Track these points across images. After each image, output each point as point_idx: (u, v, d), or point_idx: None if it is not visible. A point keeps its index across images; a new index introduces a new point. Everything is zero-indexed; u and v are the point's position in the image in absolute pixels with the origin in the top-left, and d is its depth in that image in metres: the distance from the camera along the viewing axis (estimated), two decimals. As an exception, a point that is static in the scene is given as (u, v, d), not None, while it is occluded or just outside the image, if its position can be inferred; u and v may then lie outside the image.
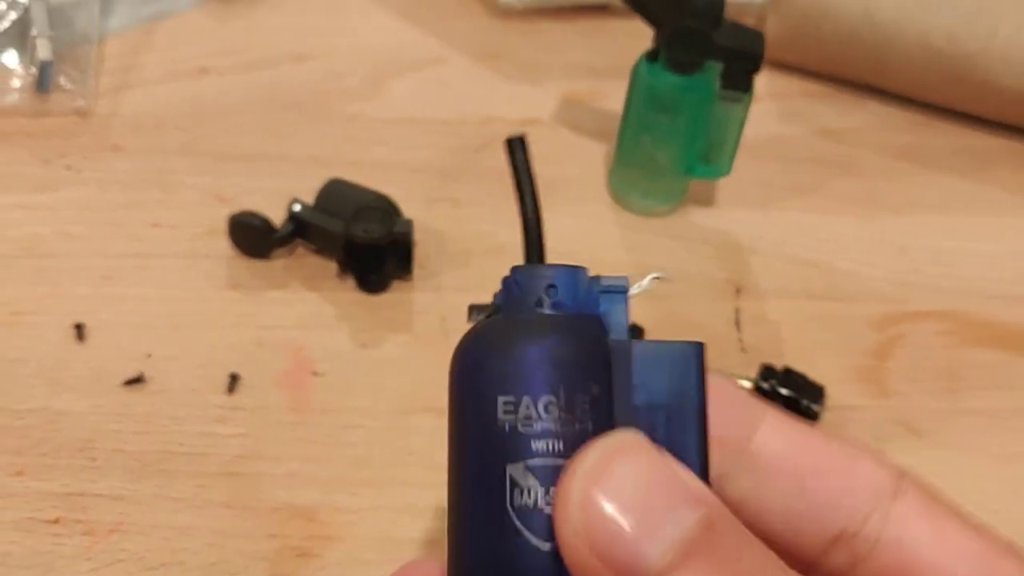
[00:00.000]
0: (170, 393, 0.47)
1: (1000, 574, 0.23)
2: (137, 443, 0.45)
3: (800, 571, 0.21)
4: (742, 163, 0.58)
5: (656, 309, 0.53)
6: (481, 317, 0.24)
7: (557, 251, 0.46)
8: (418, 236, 0.53)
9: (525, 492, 0.21)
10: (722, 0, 0.52)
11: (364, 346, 0.50)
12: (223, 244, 0.53)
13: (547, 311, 0.23)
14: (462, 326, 0.50)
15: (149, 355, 0.48)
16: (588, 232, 0.57)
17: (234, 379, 0.48)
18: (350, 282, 0.52)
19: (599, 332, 0.23)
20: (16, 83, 0.59)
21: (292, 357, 0.49)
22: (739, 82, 0.54)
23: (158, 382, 0.47)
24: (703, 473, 0.22)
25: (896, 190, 0.63)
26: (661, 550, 0.20)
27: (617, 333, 0.23)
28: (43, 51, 0.59)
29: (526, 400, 0.21)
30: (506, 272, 0.24)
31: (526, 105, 0.65)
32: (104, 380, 0.47)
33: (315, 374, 0.49)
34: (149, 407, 0.46)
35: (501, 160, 0.59)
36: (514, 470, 0.21)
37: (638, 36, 0.55)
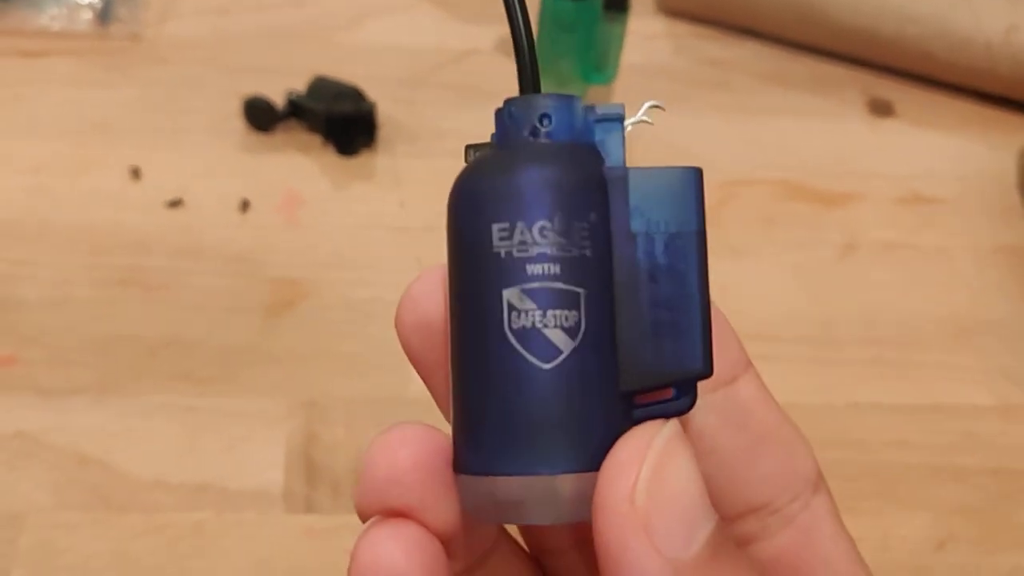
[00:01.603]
0: (200, 211, 0.67)
1: None
2: (177, 239, 0.65)
3: None
4: (636, 82, 0.78)
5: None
6: (477, 154, 0.24)
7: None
8: (381, 120, 0.73)
9: (523, 315, 0.21)
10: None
11: (338, 188, 0.70)
12: (239, 123, 0.73)
13: (542, 140, 0.23)
14: (411, 179, 0.71)
15: (186, 188, 0.68)
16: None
17: (245, 204, 0.67)
18: (330, 149, 0.72)
19: (594, 159, 0.22)
20: (86, 15, 0.79)
21: (286, 193, 0.69)
22: (617, 4, 0.73)
23: (192, 205, 0.67)
24: (705, 299, 0.22)
25: (762, 103, 0.82)
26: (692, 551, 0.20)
27: (613, 161, 0.23)
28: (107, -10, 0.79)
29: (520, 225, 0.21)
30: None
31: (472, 39, 0.84)
32: (153, 203, 0.67)
33: (302, 203, 0.68)
34: (185, 219, 0.66)
35: (449, 76, 0.79)
36: (511, 294, 0.21)
37: None
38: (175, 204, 0.67)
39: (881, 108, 0.83)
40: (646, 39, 0.86)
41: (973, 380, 0.63)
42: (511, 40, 0.25)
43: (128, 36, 0.80)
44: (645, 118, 0.25)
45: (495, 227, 0.22)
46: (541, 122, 0.23)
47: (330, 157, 0.72)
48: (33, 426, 0.54)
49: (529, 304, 0.21)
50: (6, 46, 0.78)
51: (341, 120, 0.70)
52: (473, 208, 0.22)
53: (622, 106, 0.23)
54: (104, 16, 0.79)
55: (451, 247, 0.23)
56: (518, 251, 0.21)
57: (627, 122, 0.24)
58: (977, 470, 0.58)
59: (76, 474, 0.53)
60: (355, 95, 0.72)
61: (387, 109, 0.74)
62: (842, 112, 0.83)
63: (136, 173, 0.68)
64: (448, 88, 0.80)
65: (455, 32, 0.85)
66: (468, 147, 0.24)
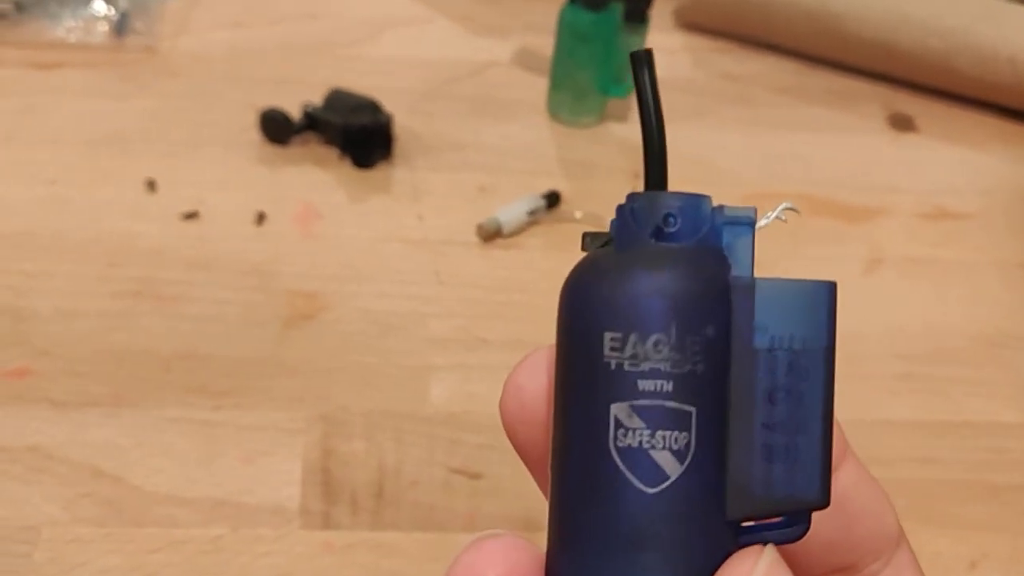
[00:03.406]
0: (216, 224, 0.66)
1: None
2: (192, 251, 0.64)
3: None
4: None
5: (575, 186, 0.72)
6: (595, 246, 0.22)
7: (508, 151, 0.64)
8: (398, 133, 0.72)
9: (630, 433, 0.20)
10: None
11: (355, 201, 0.69)
12: (254, 135, 0.72)
13: (664, 242, 0.21)
14: (429, 192, 0.71)
15: (202, 201, 0.67)
16: (532, 140, 0.76)
17: (261, 216, 0.66)
18: (347, 161, 0.71)
19: (719, 266, 0.21)
20: (102, 27, 0.79)
21: (303, 206, 0.68)
22: (636, 16, 0.73)
23: (208, 217, 0.66)
24: (828, 423, 0.21)
25: (779, 117, 0.82)
26: None
27: (741, 268, 0.21)
28: (122, 4, 0.79)
29: (634, 337, 0.20)
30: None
31: (490, 52, 0.84)
32: (168, 215, 0.66)
33: (319, 216, 0.67)
34: (201, 231, 0.65)
35: (466, 89, 0.79)
36: (619, 410, 0.20)
37: None
38: (191, 216, 0.66)
39: (902, 123, 0.82)
40: (665, 53, 0.85)
41: (1003, 396, 0.61)
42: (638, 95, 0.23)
43: (144, 49, 0.79)
44: (780, 216, 0.23)
45: (607, 336, 0.20)
46: (666, 222, 0.21)
47: (347, 170, 0.71)
48: (47, 439, 0.53)
49: (637, 422, 0.20)
50: (22, 58, 0.77)
51: (358, 132, 0.70)
52: (586, 312, 0.21)
53: (754, 209, 0.22)
54: (120, 28, 0.79)
55: (560, 345, 0.22)
56: (629, 364, 0.20)
57: (759, 224, 0.22)
58: (1009, 487, 0.57)
59: (90, 488, 0.52)
60: (372, 107, 0.71)
61: (404, 121, 0.73)
62: (863, 126, 0.82)
63: (152, 185, 0.68)
64: (466, 100, 0.79)
65: (472, 44, 0.85)
66: (586, 235, 0.23)
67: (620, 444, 0.20)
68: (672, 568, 0.20)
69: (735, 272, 0.21)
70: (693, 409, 0.20)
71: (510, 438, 0.23)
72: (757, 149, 0.78)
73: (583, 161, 0.75)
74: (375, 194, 0.70)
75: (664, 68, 0.70)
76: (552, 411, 0.22)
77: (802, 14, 0.84)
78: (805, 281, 0.21)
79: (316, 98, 0.72)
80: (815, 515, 0.21)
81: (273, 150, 0.72)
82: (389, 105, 0.73)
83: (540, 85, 0.80)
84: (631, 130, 0.78)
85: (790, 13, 0.84)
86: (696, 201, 0.22)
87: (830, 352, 0.21)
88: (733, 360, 0.21)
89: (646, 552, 0.20)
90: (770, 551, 0.20)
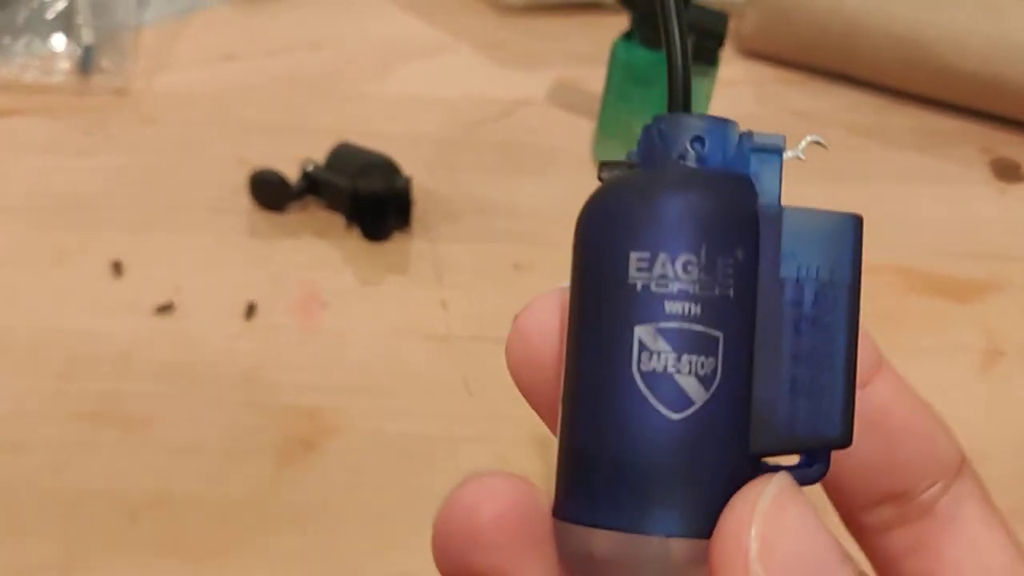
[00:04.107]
0: (196, 318, 0.54)
1: None
2: (166, 355, 0.52)
3: (842, 513, 0.23)
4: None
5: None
6: (615, 173, 0.21)
7: (547, 216, 0.52)
8: (416, 195, 0.60)
9: (655, 356, 0.19)
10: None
11: (366, 283, 0.57)
12: (244, 200, 0.60)
13: (692, 165, 0.20)
14: (454, 270, 0.58)
15: (179, 288, 0.55)
16: (575, 196, 0.64)
17: (251, 308, 0.54)
18: (356, 232, 0.59)
19: (748, 192, 0.20)
20: (63, 64, 0.67)
21: (303, 291, 0.56)
22: (705, 57, 0.60)
23: (186, 310, 0.54)
24: (851, 359, 0.20)
25: (859, 163, 0.69)
26: None
27: (768, 197, 0.20)
28: (86, 36, 0.66)
29: (663, 257, 0.19)
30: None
31: (521, 87, 0.72)
32: (138, 308, 0.54)
33: (322, 304, 0.55)
34: (177, 328, 0.53)
35: (495, 134, 0.66)
36: (644, 332, 0.19)
37: (622, 29, 0.62)
38: (165, 309, 0.54)
39: (1008, 171, 0.69)
40: (725, 85, 0.72)
41: None
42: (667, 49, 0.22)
43: (113, 90, 0.67)
44: (801, 155, 0.22)
45: (634, 256, 0.20)
46: (693, 145, 0.21)
47: (355, 243, 0.59)
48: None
49: (663, 345, 0.19)
50: (-35, 104, 0.65)
51: (369, 199, 0.57)
52: (610, 232, 0.20)
53: (782, 137, 0.21)
54: (84, 65, 0.67)
55: (577, 273, 0.21)
56: (657, 285, 0.19)
57: (786, 155, 0.21)
58: None
59: None
60: (385, 167, 0.59)
61: (423, 178, 0.61)
62: (961, 175, 0.69)
63: (118, 268, 0.56)
64: (495, 149, 0.67)
65: (501, 79, 0.72)
66: (603, 164, 0.22)
67: (644, 368, 0.19)
68: (690, 501, 0.19)
69: (763, 200, 0.20)
70: (721, 334, 0.19)
71: (517, 383, 0.22)
72: (835, 204, 0.66)
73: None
74: (390, 274, 0.58)
75: (723, 103, 0.57)
76: (565, 348, 0.21)
77: (887, 41, 0.72)
78: (832, 213, 0.21)
79: (318, 151, 0.60)
80: (857, 442, 0.20)
81: (266, 218, 0.59)
82: (405, 158, 0.60)
83: (584, 128, 0.68)
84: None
85: (873, 40, 0.72)
86: (724, 125, 0.21)
87: (855, 286, 0.20)
88: (760, 288, 0.20)
89: (664, 484, 0.19)
90: (782, 477, 0.19)
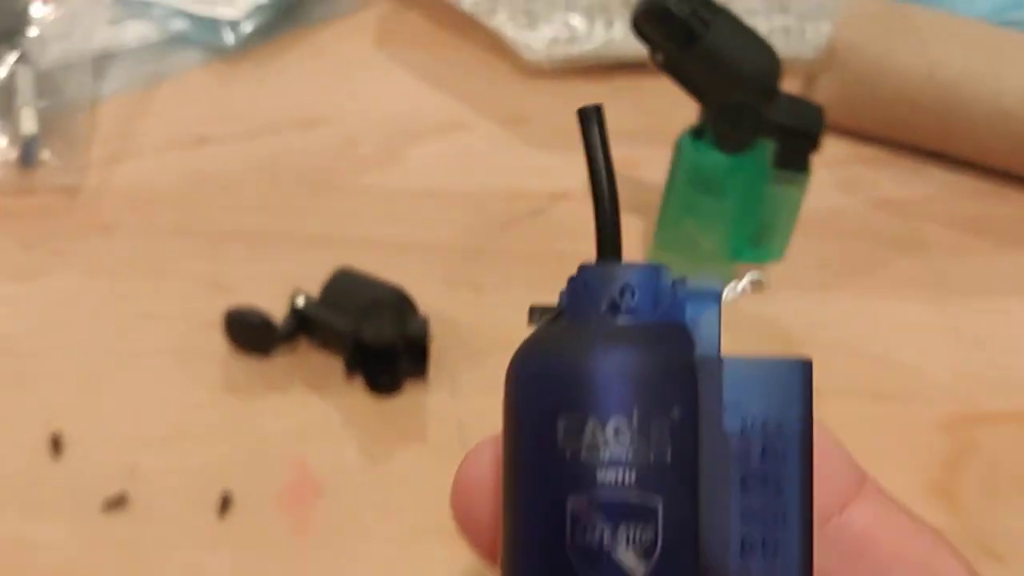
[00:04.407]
0: (156, 517, 0.42)
1: None
2: (115, 569, 0.40)
3: None
4: (794, 239, 0.52)
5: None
6: (543, 321, 0.21)
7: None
8: (435, 329, 0.48)
9: (589, 530, 0.18)
10: (776, 70, 0.46)
11: (373, 459, 0.45)
12: (219, 339, 0.48)
13: (621, 318, 0.19)
14: (482, 433, 0.44)
15: (133, 471, 0.43)
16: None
17: (226, 500, 0.42)
18: (358, 383, 0.47)
19: (683, 344, 0.19)
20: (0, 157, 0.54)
21: (293, 471, 0.44)
22: (795, 162, 0.48)
23: (143, 503, 0.42)
24: (806, 513, 0.19)
25: (966, 270, 0.57)
26: None
27: (706, 346, 0.19)
28: (28, 123, 0.54)
29: (592, 423, 0.18)
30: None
31: (556, 176, 0.59)
32: (83, 502, 0.42)
33: (318, 492, 0.43)
34: (132, 533, 0.41)
35: (528, 240, 0.54)
36: (576, 504, 0.18)
37: (679, 97, 0.49)
38: (116, 504, 0.42)
39: None
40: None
41: None
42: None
43: (61, 189, 0.54)
44: (746, 288, 0.22)
45: (561, 422, 0.18)
46: (622, 296, 0.19)
47: (359, 398, 0.47)
48: None
49: (597, 518, 0.18)
50: None
51: (377, 348, 0.45)
52: (537, 393, 0.19)
53: (720, 282, 0.20)
54: (26, 159, 0.54)
55: (508, 433, 0.20)
56: (587, 452, 0.18)
57: (724, 297, 0.19)
58: None
59: None
60: (395, 304, 0.47)
61: (442, 304, 0.49)
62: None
63: (57, 444, 0.44)
64: (527, 259, 0.55)
65: (530, 165, 0.60)
66: (533, 309, 0.21)
67: (579, 542, 0.18)
68: None
69: (700, 350, 0.19)
70: (660, 500, 0.18)
71: (463, 535, 0.22)
72: (945, 330, 0.54)
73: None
74: (404, 442, 0.46)
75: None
76: (502, 509, 0.20)
77: (994, 116, 0.60)
78: (777, 358, 0.19)
79: (311, 268, 0.49)
80: (853, 568, 0.20)
81: (246, 366, 0.47)
82: (418, 276, 0.49)
83: (636, 228, 0.55)
84: (770, 305, 0.53)
85: (976, 114, 0.60)
86: (654, 272, 0.20)
87: (807, 436, 0.19)
88: (702, 445, 0.19)
89: None
90: None
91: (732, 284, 0.21)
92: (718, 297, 0.20)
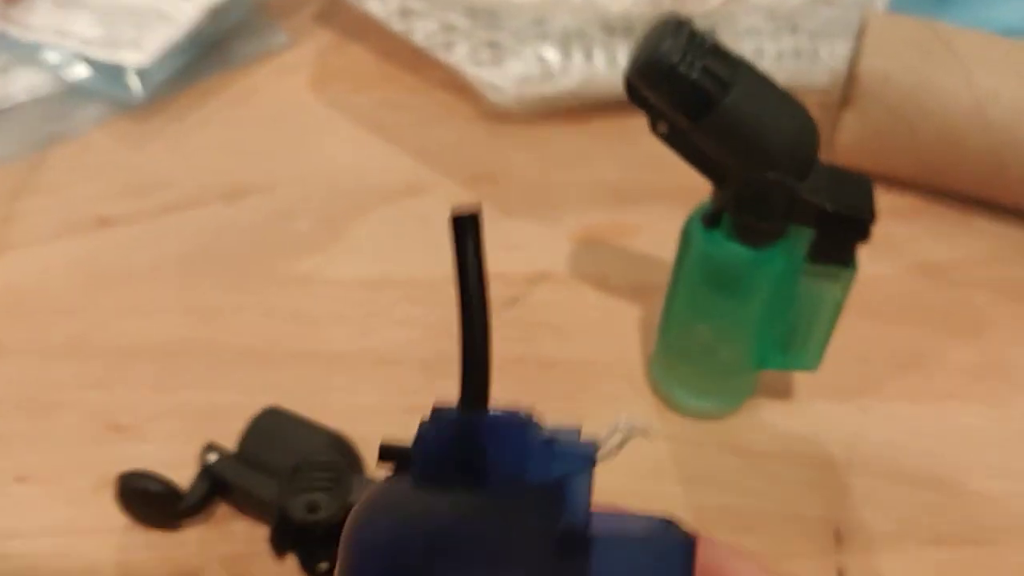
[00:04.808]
0: None
1: None
2: None
3: None
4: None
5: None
6: (389, 468, 0.18)
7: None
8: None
9: None
10: (814, 139, 0.36)
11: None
12: (114, 507, 0.37)
13: (480, 480, 0.17)
14: None
15: None
16: (631, 458, 0.41)
17: None
18: (291, 563, 0.36)
19: (549, 511, 0.16)
20: None
21: None
22: (837, 255, 0.38)
23: None
24: None
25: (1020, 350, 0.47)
26: None
27: (573, 513, 0.16)
28: None
29: None
30: None
31: (533, 251, 0.49)
32: None
33: None
34: None
35: (503, 340, 0.44)
36: None
37: None
38: None
39: None
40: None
41: None
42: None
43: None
44: (625, 439, 0.18)
45: None
46: (479, 455, 0.17)
47: (292, 583, 0.36)
48: None
49: None
50: None
51: (314, 527, 0.35)
52: (372, 569, 0.16)
53: (592, 440, 0.17)
54: None
55: None
56: None
57: (598, 457, 0.17)
58: None
59: None
60: (334, 457, 0.36)
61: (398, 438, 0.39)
62: None
63: None
64: (506, 365, 0.44)
65: (503, 240, 0.50)
66: (383, 447, 0.18)
67: None
68: None
69: (567, 518, 0.16)
70: None
71: None
72: (1017, 426, 0.44)
73: (720, 505, 0.40)
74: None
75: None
76: None
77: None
78: (654, 533, 0.17)
79: (231, 386, 0.38)
80: None
81: (148, 543, 0.37)
82: (370, 401, 0.39)
83: (633, 319, 0.46)
84: (801, 417, 0.43)
85: (1019, 156, 0.50)
86: (520, 428, 0.17)
87: None
88: None
89: None
90: None
91: (608, 435, 0.17)
92: (591, 459, 0.17)
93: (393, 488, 0.18)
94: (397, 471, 0.18)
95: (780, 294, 0.39)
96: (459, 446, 0.17)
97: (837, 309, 0.39)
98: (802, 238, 0.38)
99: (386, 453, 0.18)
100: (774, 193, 0.36)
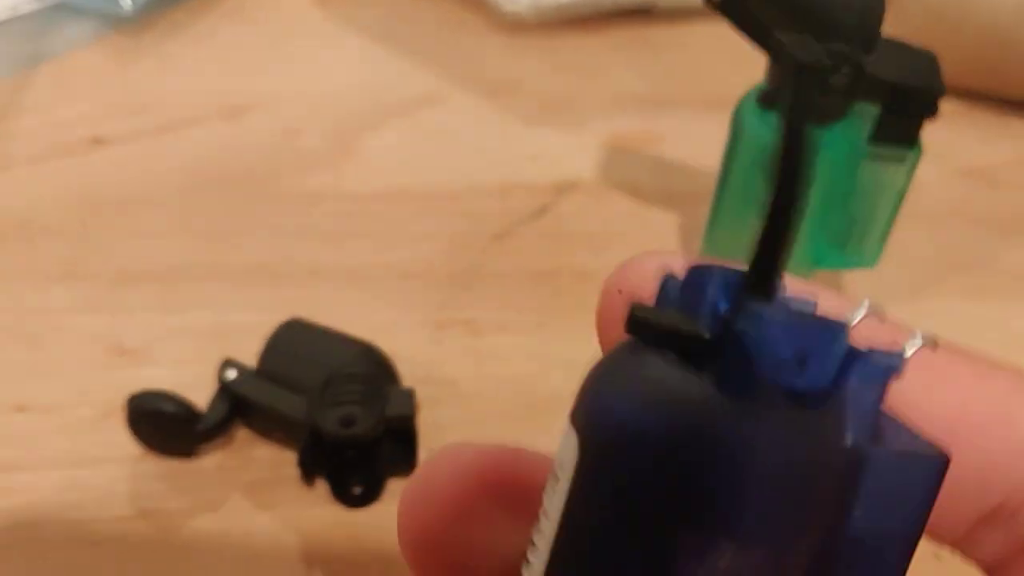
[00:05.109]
0: None
1: None
2: None
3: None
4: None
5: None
6: (659, 347, 0.12)
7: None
8: (422, 394, 0.34)
9: None
10: (882, 8, 0.33)
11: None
12: (123, 434, 0.34)
13: (782, 395, 0.12)
14: None
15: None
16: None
17: None
18: (321, 490, 0.33)
19: (839, 431, 0.13)
20: None
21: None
22: (903, 134, 0.35)
23: None
24: None
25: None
26: None
27: (858, 429, 0.13)
28: None
29: (730, 549, 0.12)
30: None
31: (559, 160, 0.46)
32: None
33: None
34: None
35: (527, 252, 0.41)
36: None
37: (697, 47, 0.36)
38: None
39: None
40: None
41: None
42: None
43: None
44: (916, 348, 0.15)
45: (686, 533, 0.12)
46: (802, 364, 0.12)
47: (322, 509, 0.33)
48: None
49: None
50: None
51: (347, 446, 0.32)
52: (653, 483, 0.12)
53: (900, 355, 0.13)
54: None
55: (582, 506, 0.13)
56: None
57: (895, 371, 0.13)
58: None
59: None
60: (367, 369, 0.33)
61: (426, 357, 0.36)
62: None
63: None
64: (535, 277, 0.41)
65: (525, 149, 0.46)
66: (634, 311, 0.13)
67: None
68: None
69: (852, 434, 0.13)
70: None
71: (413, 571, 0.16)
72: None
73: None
74: (385, 572, 0.32)
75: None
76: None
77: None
78: (917, 451, 0.14)
79: (244, 305, 0.35)
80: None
81: (162, 473, 0.34)
82: (392, 316, 0.36)
83: (671, 225, 0.42)
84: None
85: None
86: (835, 336, 0.13)
87: (913, 542, 0.14)
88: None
89: None
90: None
91: (909, 342, 0.14)
92: (895, 370, 0.13)
93: (690, 387, 0.14)
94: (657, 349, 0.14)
95: (839, 180, 0.36)
96: (771, 347, 0.13)
97: (900, 197, 0.36)
98: (862, 119, 0.35)
99: (639, 324, 0.13)
100: (838, 65, 0.33)
